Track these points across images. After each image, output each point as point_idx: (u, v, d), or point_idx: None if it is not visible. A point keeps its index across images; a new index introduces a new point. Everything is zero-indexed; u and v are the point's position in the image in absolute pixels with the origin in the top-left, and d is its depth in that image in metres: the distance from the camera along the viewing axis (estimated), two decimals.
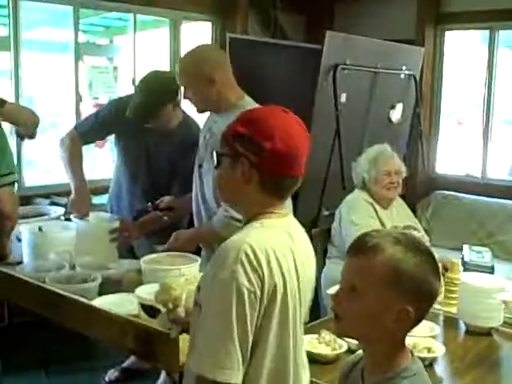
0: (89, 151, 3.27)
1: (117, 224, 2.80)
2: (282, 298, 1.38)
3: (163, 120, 2.87)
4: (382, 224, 3.05)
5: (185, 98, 2.58)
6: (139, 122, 2.85)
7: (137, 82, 2.95)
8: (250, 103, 2.51)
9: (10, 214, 2.33)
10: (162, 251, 2.56)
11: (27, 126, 2.54)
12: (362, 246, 1.22)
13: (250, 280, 1.31)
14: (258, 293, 1.32)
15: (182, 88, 2.60)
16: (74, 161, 2.93)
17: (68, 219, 2.87)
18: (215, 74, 2.47)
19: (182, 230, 2.72)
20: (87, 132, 3.00)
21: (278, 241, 1.41)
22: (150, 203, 2.86)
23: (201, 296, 1.38)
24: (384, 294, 1.18)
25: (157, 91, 2.80)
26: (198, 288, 1.41)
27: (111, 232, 2.74)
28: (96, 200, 3.42)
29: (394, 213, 3.17)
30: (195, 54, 2.55)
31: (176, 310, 1.72)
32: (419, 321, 1.22)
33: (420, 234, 3.19)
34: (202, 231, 2.62)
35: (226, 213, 2.31)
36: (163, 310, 1.80)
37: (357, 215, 3.03)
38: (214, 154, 1.47)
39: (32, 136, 2.63)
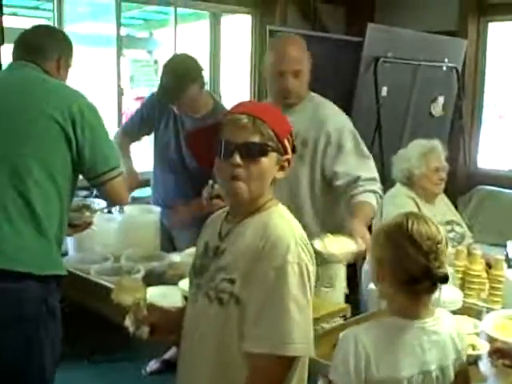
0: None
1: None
2: None
3: (190, 102, 2.86)
4: None
5: (288, 87, 2.47)
6: (168, 104, 2.89)
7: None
8: None
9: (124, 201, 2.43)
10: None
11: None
12: None
13: (309, 259, 1.44)
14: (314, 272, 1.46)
15: (290, 75, 2.45)
16: (123, 154, 3.03)
17: (110, 211, 2.92)
18: None
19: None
20: (131, 130, 3.16)
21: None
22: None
23: (252, 287, 1.41)
24: None
25: (181, 69, 2.82)
26: (231, 281, 1.43)
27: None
28: (139, 193, 3.47)
29: (437, 208, 3.12)
30: (299, 39, 2.55)
31: (141, 309, 1.71)
32: None
33: (462, 230, 3.14)
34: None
35: None
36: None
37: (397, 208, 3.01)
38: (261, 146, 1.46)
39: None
